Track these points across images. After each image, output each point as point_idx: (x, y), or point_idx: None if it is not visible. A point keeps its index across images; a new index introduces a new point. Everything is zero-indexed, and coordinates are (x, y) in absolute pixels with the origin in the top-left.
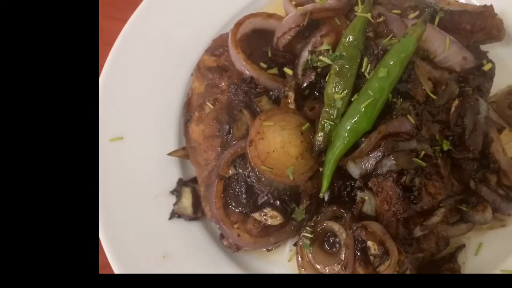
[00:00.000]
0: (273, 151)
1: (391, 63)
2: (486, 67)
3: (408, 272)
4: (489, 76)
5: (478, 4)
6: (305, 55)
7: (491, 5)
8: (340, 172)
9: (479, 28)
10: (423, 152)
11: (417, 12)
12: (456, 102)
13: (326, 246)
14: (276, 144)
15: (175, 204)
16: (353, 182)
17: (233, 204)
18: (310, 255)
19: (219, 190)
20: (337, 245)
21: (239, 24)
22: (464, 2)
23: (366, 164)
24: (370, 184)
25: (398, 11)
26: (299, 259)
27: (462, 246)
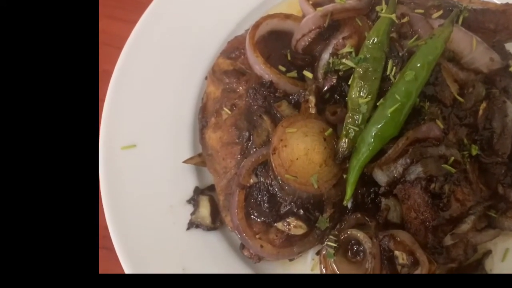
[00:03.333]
0: (297, 159)
1: (419, 65)
2: None
3: None
4: None
5: (499, 2)
6: (325, 57)
7: None
8: (363, 178)
9: (502, 27)
10: (452, 158)
11: (441, 11)
12: (483, 105)
13: (349, 254)
14: (300, 151)
15: (192, 213)
16: (377, 189)
17: (255, 214)
18: (333, 264)
19: (241, 200)
20: (361, 254)
21: (256, 26)
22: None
23: (393, 171)
24: (395, 190)
25: (421, 11)
26: (323, 269)
27: (489, 252)
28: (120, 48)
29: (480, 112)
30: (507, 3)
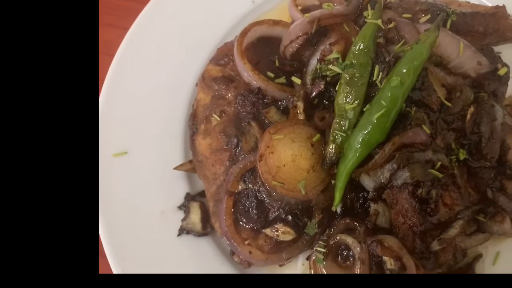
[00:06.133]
0: (284, 165)
1: (404, 71)
2: (501, 71)
3: None
4: (504, 80)
5: (489, 4)
6: (313, 63)
7: (504, 6)
8: (352, 183)
9: (492, 30)
10: (439, 163)
11: (429, 16)
12: (471, 109)
13: (339, 259)
14: (287, 157)
15: (183, 220)
16: (366, 193)
17: (244, 220)
18: (323, 269)
19: (229, 206)
20: (351, 258)
21: (244, 33)
22: (475, 2)
23: (380, 177)
24: (383, 195)
25: (409, 15)
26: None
27: (479, 255)
28: (110, 55)
29: (468, 116)
30: (497, 5)
